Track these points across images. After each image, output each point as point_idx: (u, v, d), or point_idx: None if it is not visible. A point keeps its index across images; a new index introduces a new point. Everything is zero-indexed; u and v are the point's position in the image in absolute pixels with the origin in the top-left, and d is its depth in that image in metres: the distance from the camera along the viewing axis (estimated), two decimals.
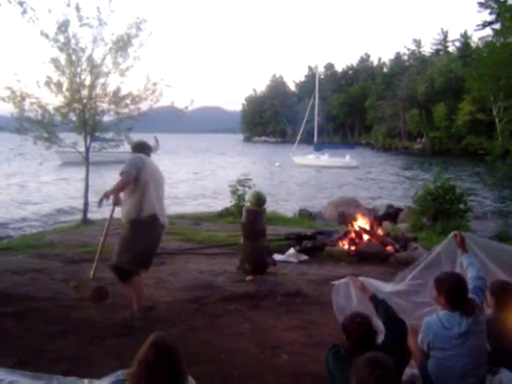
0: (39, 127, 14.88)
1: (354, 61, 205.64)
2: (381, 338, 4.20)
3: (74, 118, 15.45)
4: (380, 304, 4.62)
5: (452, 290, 4.36)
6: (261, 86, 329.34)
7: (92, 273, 7.11)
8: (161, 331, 3.62)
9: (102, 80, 15.09)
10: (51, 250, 11.11)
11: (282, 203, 28.60)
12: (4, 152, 59.77)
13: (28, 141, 15.13)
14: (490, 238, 11.05)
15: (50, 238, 12.81)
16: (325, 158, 60.70)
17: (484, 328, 4.43)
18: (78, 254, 10.67)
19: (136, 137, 7.97)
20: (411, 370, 4.75)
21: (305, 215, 20.32)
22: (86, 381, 4.56)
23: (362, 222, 12.44)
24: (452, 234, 5.32)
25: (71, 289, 7.58)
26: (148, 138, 8.08)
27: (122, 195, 6.81)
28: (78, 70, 14.68)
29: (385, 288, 5.44)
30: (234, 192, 17.52)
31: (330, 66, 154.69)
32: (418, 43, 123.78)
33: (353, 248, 11.38)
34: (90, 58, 14.72)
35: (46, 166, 49.18)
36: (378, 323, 4.41)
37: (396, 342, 4.19)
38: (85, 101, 14.89)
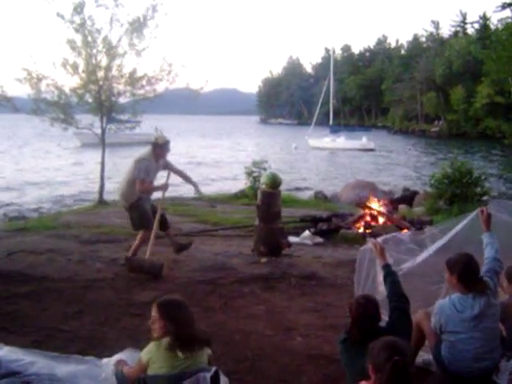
0: (56, 108, 14.92)
1: (371, 42, 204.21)
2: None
3: (90, 100, 15.48)
4: (390, 275, 4.54)
5: (464, 271, 4.34)
6: (277, 68, 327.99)
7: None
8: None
9: (117, 61, 15.10)
10: (67, 231, 11.18)
11: (298, 185, 28.53)
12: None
13: (45, 122, 15.21)
14: None
15: (66, 218, 12.89)
16: (341, 141, 60.37)
17: (497, 311, 4.40)
18: (94, 234, 10.75)
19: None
20: (422, 356, 4.74)
21: (320, 198, 20.27)
22: (104, 360, 4.60)
23: (377, 205, 12.39)
24: (478, 209, 5.20)
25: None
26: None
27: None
28: (94, 51, 14.68)
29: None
30: (249, 174, 17.51)
31: (346, 48, 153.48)
32: (436, 25, 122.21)
33: (368, 231, 11.34)
34: (105, 39, 14.71)
35: (65, 147, 49.82)
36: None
37: (399, 319, 4.18)
38: (101, 82, 14.90)
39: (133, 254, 8.23)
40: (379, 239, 5.24)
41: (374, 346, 3.22)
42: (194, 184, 9.00)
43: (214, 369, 3.81)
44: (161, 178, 8.77)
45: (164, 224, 8.65)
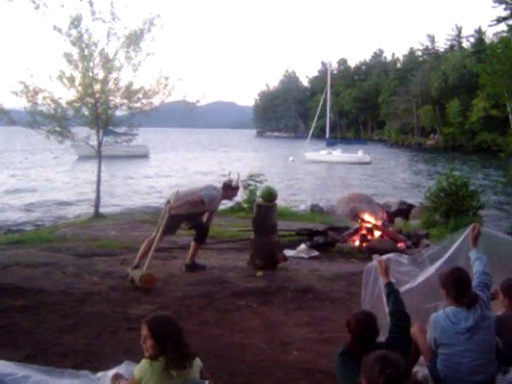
0: (52, 121, 14.94)
1: (367, 56, 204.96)
2: (381, 339, 4.19)
3: (86, 113, 15.50)
4: (393, 294, 4.59)
5: (453, 285, 4.38)
6: (274, 81, 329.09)
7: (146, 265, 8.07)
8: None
9: (114, 74, 15.13)
10: (63, 244, 11.16)
11: (294, 199, 28.54)
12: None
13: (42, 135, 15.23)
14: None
15: (62, 231, 12.87)
16: (337, 154, 60.55)
17: (491, 324, 4.41)
18: (90, 247, 10.73)
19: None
20: (422, 371, 4.73)
21: (316, 211, 20.26)
22: (98, 374, 4.57)
23: (373, 219, 12.40)
24: (472, 225, 5.25)
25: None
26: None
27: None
28: (91, 64, 14.71)
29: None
30: (245, 187, 17.50)
31: (343, 62, 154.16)
32: (431, 39, 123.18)
33: (364, 244, 11.34)
34: (102, 53, 14.74)
35: (62, 159, 49.91)
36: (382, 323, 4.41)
37: (400, 337, 4.20)
38: (97, 95, 14.93)
39: (139, 260, 8.31)
40: (384, 257, 5.27)
41: (367, 359, 3.22)
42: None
43: (206, 383, 3.79)
44: None
45: (201, 235, 9.03)
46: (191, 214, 8.67)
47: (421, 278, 5.46)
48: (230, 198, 9.25)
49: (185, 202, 8.39)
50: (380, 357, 3.18)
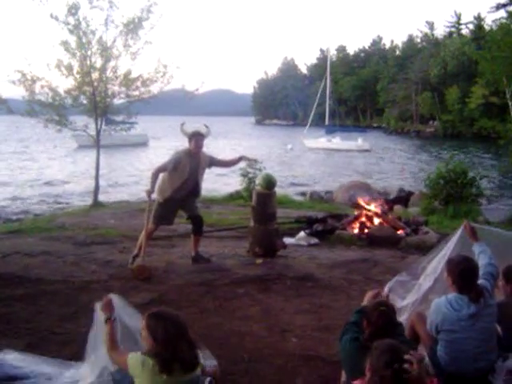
0: (50, 110, 14.90)
1: (366, 43, 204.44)
2: None
3: (84, 101, 15.45)
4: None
5: (461, 275, 4.34)
6: (272, 69, 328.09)
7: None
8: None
9: (112, 63, 15.08)
10: (62, 233, 11.14)
11: (293, 186, 28.52)
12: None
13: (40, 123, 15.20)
14: (501, 223, 10.92)
15: (61, 220, 12.85)
16: (336, 141, 60.46)
17: (494, 311, 4.40)
18: (89, 236, 10.71)
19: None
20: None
21: (316, 198, 20.26)
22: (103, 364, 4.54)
23: (372, 206, 12.37)
24: (463, 224, 5.27)
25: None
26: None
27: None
28: (89, 52, 14.66)
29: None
30: (244, 175, 17.45)
31: (341, 49, 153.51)
32: (430, 25, 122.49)
33: (364, 231, 11.32)
34: (100, 41, 14.69)
35: (61, 148, 49.92)
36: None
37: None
38: (95, 83, 14.87)
39: (139, 249, 8.23)
40: (386, 288, 5.31)
41: (376, 346, 3.18)
42: (241, 159, 9.11)
43: (207, 380, 3.71)
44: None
45: (197, 228, 8.74)
46: (181, 193, 8.27)
47: (422, 291, 5.47)
48: (193, 149, 8.21)
49: (157, 180, 8.19)
50: (389, 347, 3.15)
